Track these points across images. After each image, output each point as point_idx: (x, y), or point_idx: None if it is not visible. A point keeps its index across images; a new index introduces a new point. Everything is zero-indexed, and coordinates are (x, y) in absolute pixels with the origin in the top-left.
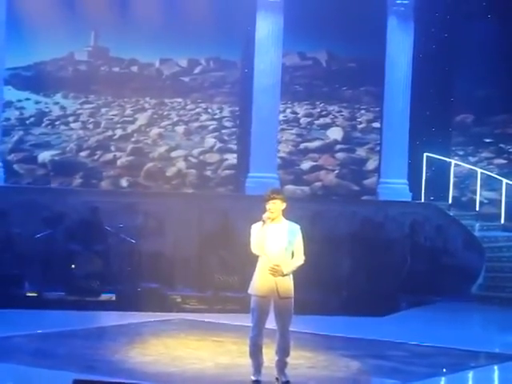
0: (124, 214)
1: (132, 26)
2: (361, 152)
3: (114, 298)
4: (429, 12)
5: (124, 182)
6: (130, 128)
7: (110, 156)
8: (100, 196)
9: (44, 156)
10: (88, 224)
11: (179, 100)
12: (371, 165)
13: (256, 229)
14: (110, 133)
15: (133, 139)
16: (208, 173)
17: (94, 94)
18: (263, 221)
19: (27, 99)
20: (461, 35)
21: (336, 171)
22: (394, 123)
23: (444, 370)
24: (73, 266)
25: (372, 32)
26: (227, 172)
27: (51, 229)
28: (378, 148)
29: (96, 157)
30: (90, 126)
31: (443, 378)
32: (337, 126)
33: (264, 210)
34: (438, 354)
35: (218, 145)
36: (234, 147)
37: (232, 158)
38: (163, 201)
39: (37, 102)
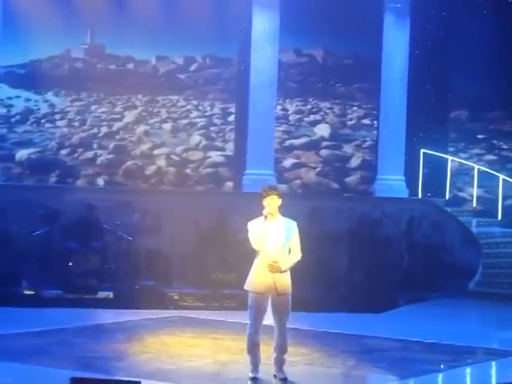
0: (121, 211)
1: (128, 23)
2: (347, 149)
3: (111, 296)
4: (425, 9)
5: (101, 181)
6: (117, 125)
7: (90, 154)
8: (97, 193)
9: (21, 154)
10: (85, 222)
11: (171, 97)
12: (355, 162)
13: (254, 225)
14: (95, 130)
15: (117, 137)
16: (188, 171)
17: (86, 92)
18: (265, 216)
19: (17, 97)
20: (457, 32)
21: (318, 169)
22: (391, 120)
23: (442, 366)
24: (70, 263)
25: (368, 29)
26: (208, 170)
27: (48, 227)
28: (365, 145)
29: (76, 155)
30: (76, 124)
31: (441, 374)
32: (326, 122)
33: (261, 207)
34: (435, 350)
35: (204, 142)
36: (221, 145)
37: (215, 156)
38: (160, 198)
39: (27, 100)
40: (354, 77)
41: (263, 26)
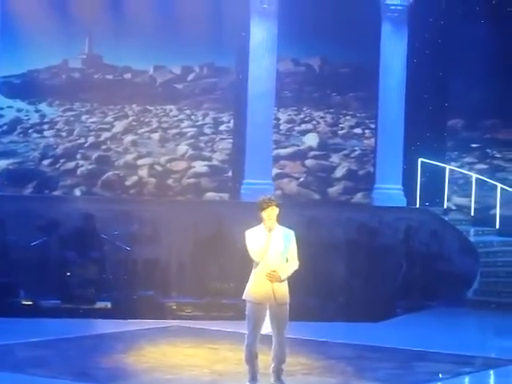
0: (119, 221)
1: (126, 33)
2: (334, 159)
3: (109, 306)
4: (422, 17)
5: (78, 192)
6: (104, 135)
7: (71, 165)
8: (95, 203)
9: (0, 165)
10: (83, 232)
11: (165, 107)
12: (340, 172)
13: (254, 235)
14: (81, 140)
15: (103, 147)
16: (170, 181)
17: (80, 102)
18: (270, 228)
19: (9, 107)
20: (454, 40)
21: (301, 179)
22: (389, 129)
23: (440, 376)
24: (68, 273)
25: (366, 38)
26: (190, 181)
27: (46, 237)
28: (353, 154)
29: (58, 165)
30: (64, 134)
31: None
32: (317, 132)
33: (258, 218)
34: (433, 359)
35: (190, 152)
36: (208, 155)
37: (199, 167)
38: (158, 208)
39: (19, 110)
40: (350, 86)
41: (261, 35)
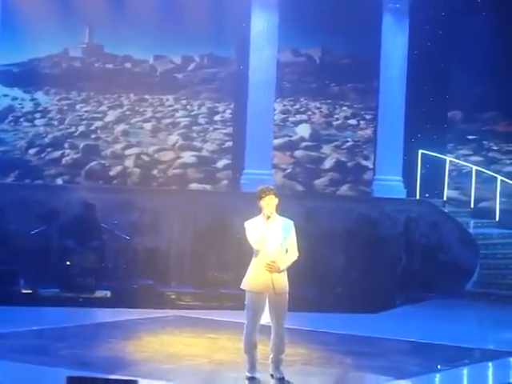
0: (119, 210)
1: (127, 22)
2: (326, 150)
3: (109, 295)
4: (424, 9)
5: (59, 182)
6: (96, 125)
7: (57, 154)
8: (95, 193)
9: None
10: (83, 221)
11: (162, 96)
12: (328, 163)
13: (254, 225)
14: (72, 129)
15: (93, 136)
16: (155, 172)
17: (76, 91)
18: (267, 217)
19: (5, 95)
20: (456, 32)
21: (288, 170)
22: (389, 120)
23: (438, 367)
24: (68, 262)
25: (367, 29)
26: (176, 171)
27: (46, 225)
28: (345, 145)
29: (43, 154)
30: (55, 123)
31: (437, 375)
32: (312, 122)
33: (257, 207)
34: (432, 350)
35: (180, 142)
36: (199, 145)
37: (188, 157)
38: (158, 197)
39: (14, 99)
40: (350, 77)
41: (262, 25)
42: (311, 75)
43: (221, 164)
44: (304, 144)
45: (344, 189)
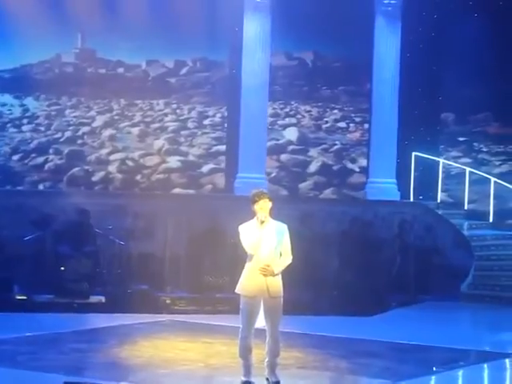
0: (113, 215)
1: (119, 27)
2: (312, 153)
3: (103, 300)
4: (416, 12)
5: (41, 187)
6: (83, 130)
7: (41, 160)
8: (89, 198)
9: None
10: (77, 226)
11: (152, 101)
12: (314, 166)
13: (248, 229)
14: (58, 135)
15: (79, 141)
16: (138, 177)
17: (67, 96)
18: (261, 221)
19: None
20: (448, 34)
21: (273, 174)
22: (383, 123)
23: (434, 369)
24: (62, 268)
25: (359, 32)
26: (160, 176)
27: (40, 231)
28: (332, 149)
29: (27, 160)
30: (42, 129)
31: (433, 377)
32: (302, 126)
33: (251, 211)
34: (427, 352)
35: (166, 147)
36: (185, 149)
37: (173, 162)
38: (152, 202)
39: (3, 105)
40: (342, 80)
41: (255, 29)
42: (303, 78)
43: (206, 168)
44: (291, 147)
45: (327, 193)
